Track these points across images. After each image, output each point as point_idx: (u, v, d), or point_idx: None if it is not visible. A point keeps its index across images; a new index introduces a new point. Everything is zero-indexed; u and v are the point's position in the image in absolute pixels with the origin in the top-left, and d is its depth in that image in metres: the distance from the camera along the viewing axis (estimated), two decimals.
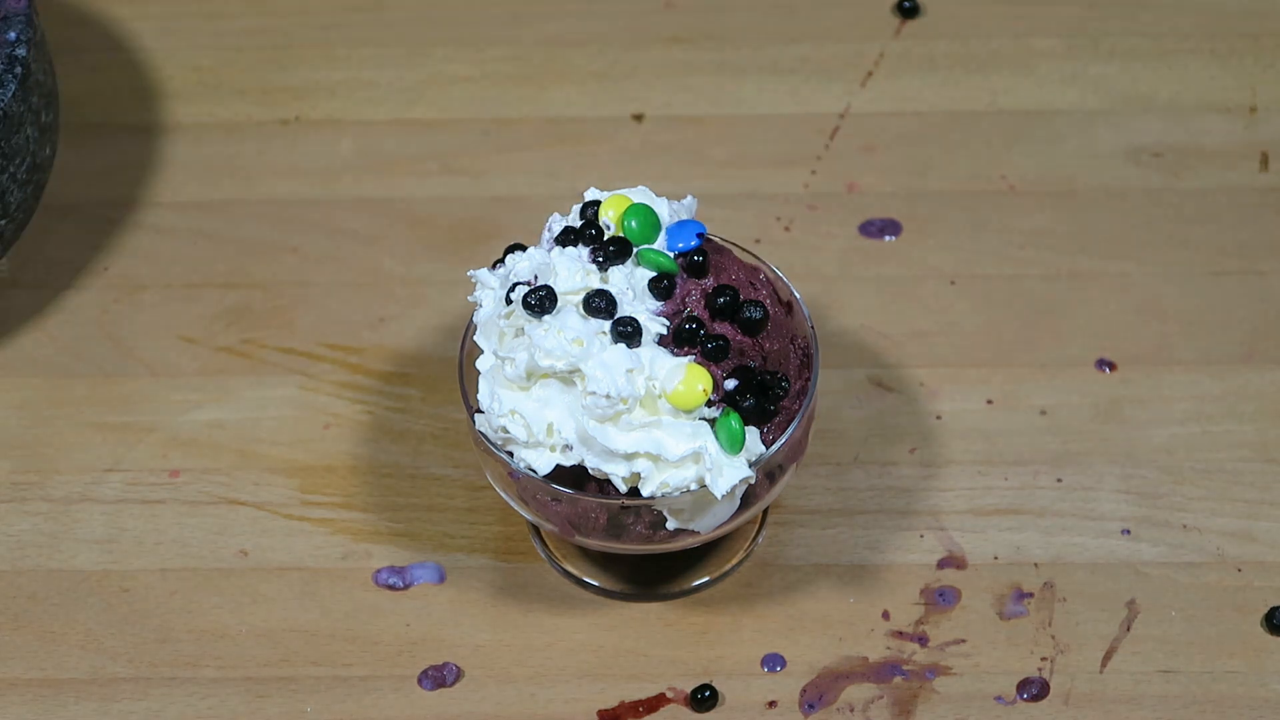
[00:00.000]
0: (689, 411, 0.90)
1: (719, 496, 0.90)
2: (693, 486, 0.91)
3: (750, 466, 0.91)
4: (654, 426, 0.90)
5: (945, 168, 1.16)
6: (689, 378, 0.89)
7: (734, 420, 0.90)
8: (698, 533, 0.94)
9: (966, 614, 1.00)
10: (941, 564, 1.01)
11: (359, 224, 1.15)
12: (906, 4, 1.23)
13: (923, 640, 0.99)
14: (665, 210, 0.94)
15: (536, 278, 0.92)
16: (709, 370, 0.91)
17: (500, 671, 0.98)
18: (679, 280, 0.93)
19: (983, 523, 1.02)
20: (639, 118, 1.19)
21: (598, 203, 0.94)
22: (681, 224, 0.94)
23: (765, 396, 0.92)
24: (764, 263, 0.97)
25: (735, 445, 0.90)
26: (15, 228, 1.07)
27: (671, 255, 0.93)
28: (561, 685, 0.98)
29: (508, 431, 0.91)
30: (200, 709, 0.97)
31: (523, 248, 0.94)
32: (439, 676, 0.98)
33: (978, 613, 1.00)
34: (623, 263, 0.92)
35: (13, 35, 1.04)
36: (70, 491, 1.05)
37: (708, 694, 0.97)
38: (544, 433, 0.91)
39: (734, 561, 1.01)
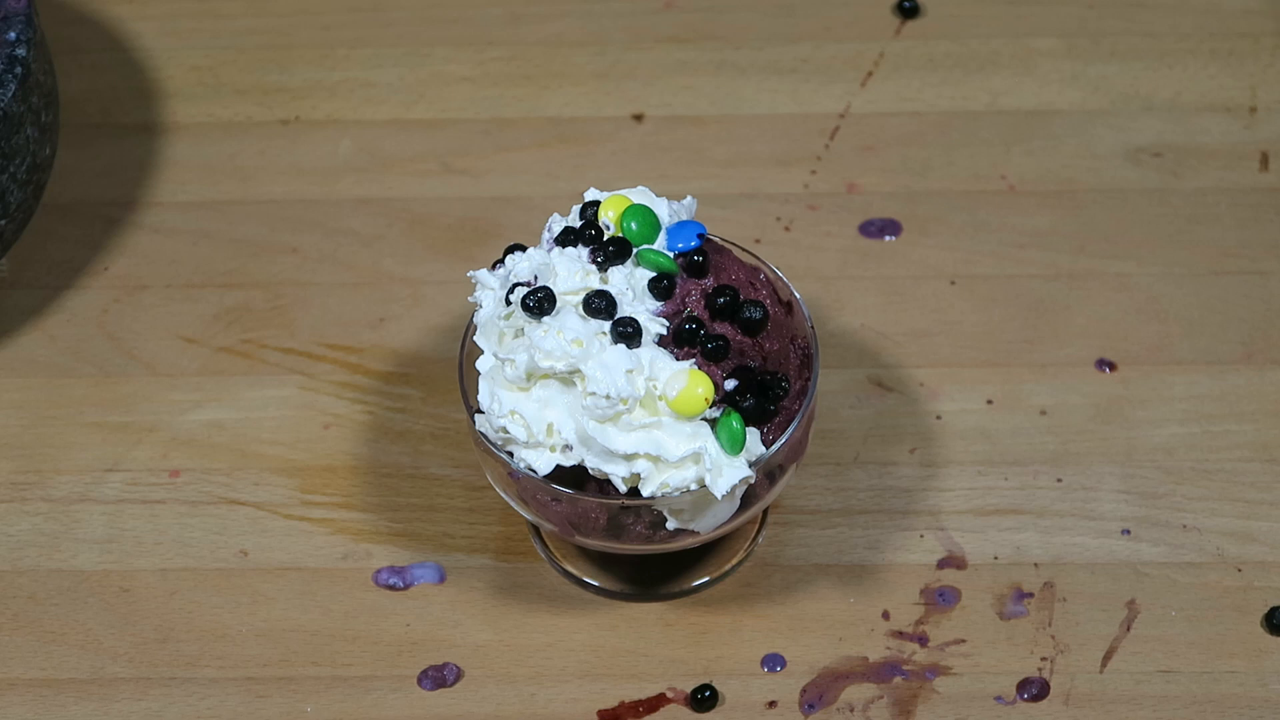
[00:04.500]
0: (691, 418, 0.90)
1: (719, 497, 0.90)
2: (693, 486, 0.91)
3: (750, 466, 0.91)
4: (654, 427, 0.90)
5: (945, 168, 1.16)
6: (689, 384, 0.89)
7: (735, 420, 0.90)
8: (698, 533, 0.94)
9: (966, 614, 1.00)
10: (941, 564, 1.01)
11: (359, 224, 1.15)
12: (906, 4, 1.23)
13: (923, 640, 0.99)
14: (665, 210, 0.94)
15: (536, 278, 0.92)
16: (709, 374, 0.90)
17: (500, 671, 0.98)
18: (679, 280, 0.93)
19: (983, 523, 1.03)
20: (639, 118, 1.19)
21: (598, 203, 0.94)
22: (681, 224, 0.94)
23: (765, 396, 0.92)
24: (764, 263, 0.97)
25: (736, 446, 0.90)
26: (15, 228, 1.07)
27: (671, 255, 0.93)
28: (561, 685, 0.98)
29: (508, 432, 0.91)
30: (200, 709, 0.97)
31: (523, 248, 0.94)
32: (439, 676, 0.98)
33: (978, 613, 1.00)
34: (622, 263, 0.92)
35: (13, 35, 1.04)
36: (70, 491, 1.05)
37: (708, 694, 0.97)
38: (544, 433, 0.91)
39: (734, 561, 1.01)
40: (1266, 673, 0.98)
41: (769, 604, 1.00)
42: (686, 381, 0.89)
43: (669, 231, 0.94)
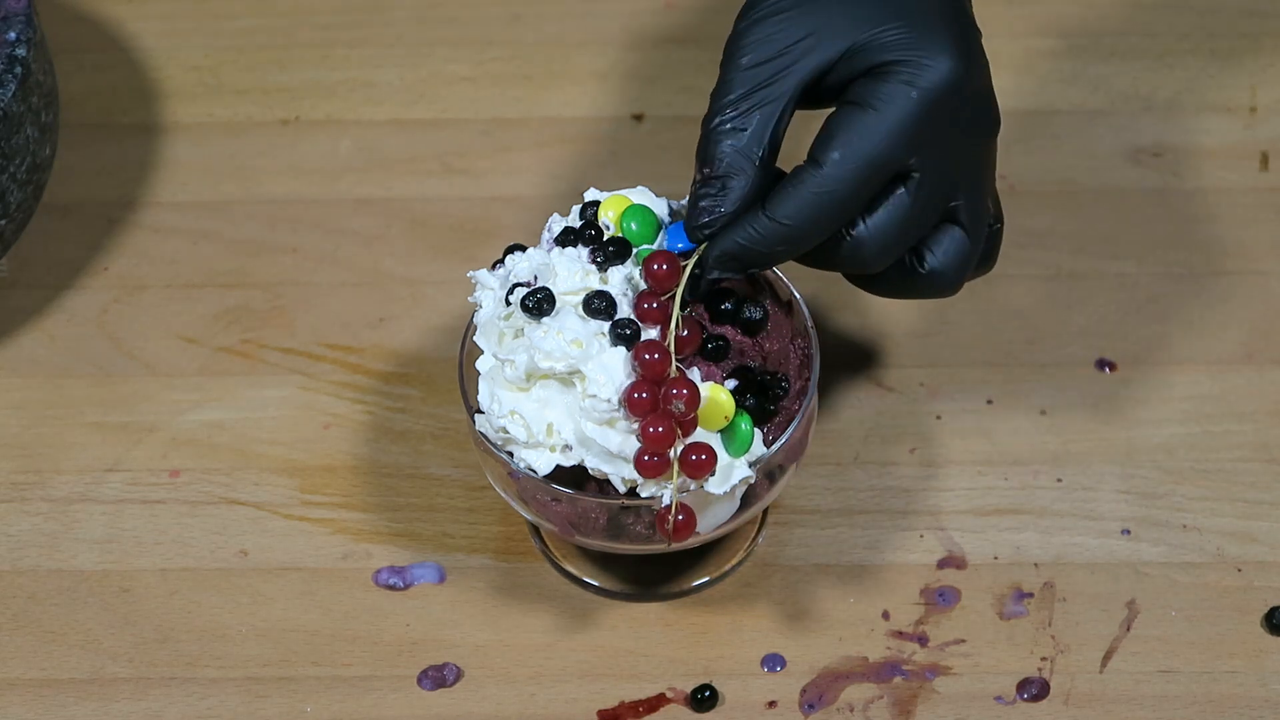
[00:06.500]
0: (717, 429, 0.89)
1: (719, 496, 0.90)
2: (692, 486, 0.90)
3: (750, 467, 0.91)
4: None
5: None
6: (712, 395, 0.89)
7: (744, 422, 0.90)
8: (698, 533, 0.94)
9: (966, 614, 1.00)
10: (941, 564, 1.01)
11: (359, 224, 1.15)
12: None
13: (923, 640, 0.99)
14: (665, 210, 0.94)
15: (536, 278, 0.92)
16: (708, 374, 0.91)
17: (500, 671, 0.98)
18: None
19: (983, 523, 1.02)
20: (639, 118, 1.19)
21: (597, 203, 0.94)
22: (681, 224, 0.94)
23: (765, 396, 0.92)
24: None
25: (743, 448, 0.90)
26: (15, 228, 1.07)
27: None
28: (561, 685, 0.98)
29: (508, 432, 0.91)
30: (200, 709, 0.97)
31: (522, 248, 0.94)
32: (439, 676, 0.98)
33: (978, 613, 1.00)
34: (622, 263, 0.92)
35: (13, 35, 1.04)
36: (70, 491, 1.05)
37: (708, 694, 0.97)
38: (544, 433, 0.91)
39: (734, 561, 1.01)
40: (1266, 673, 0.97)
41: (769, 604, 1.00)
42: (709, 393, 0.89)
43: (669, 231, 0.94)
